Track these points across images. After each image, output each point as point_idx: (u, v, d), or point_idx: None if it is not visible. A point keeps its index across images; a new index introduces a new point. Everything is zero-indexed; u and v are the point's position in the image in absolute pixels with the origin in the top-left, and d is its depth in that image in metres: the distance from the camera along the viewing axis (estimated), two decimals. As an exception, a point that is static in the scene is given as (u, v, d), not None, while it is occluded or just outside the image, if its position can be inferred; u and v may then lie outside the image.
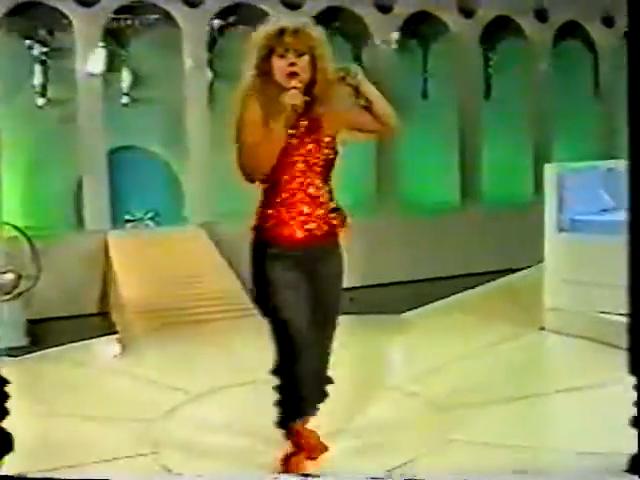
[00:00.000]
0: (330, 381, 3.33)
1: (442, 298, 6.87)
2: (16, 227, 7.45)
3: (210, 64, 9.93)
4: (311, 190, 3.02)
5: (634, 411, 3.13)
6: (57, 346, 5.75)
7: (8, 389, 2.78)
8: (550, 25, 12.18)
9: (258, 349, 5.25)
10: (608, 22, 12.64)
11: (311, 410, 3.22)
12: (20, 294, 7.01)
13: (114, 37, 9.65)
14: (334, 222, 3.07)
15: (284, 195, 3.01)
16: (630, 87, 2.21)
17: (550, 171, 5.58)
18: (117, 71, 9.80)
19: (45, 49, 9.20)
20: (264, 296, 3.08)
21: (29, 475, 3.01)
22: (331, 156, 3.05)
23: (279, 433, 3.21)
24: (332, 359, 3.29)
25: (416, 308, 6.60)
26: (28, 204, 9.08)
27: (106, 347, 5.75)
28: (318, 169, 3.03)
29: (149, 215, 9.85)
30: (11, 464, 2.75)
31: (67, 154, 9.07)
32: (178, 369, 4.91)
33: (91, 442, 3.68)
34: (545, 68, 12.45)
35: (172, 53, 9.73)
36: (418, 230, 9.84)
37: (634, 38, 2.10)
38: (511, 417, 3.96)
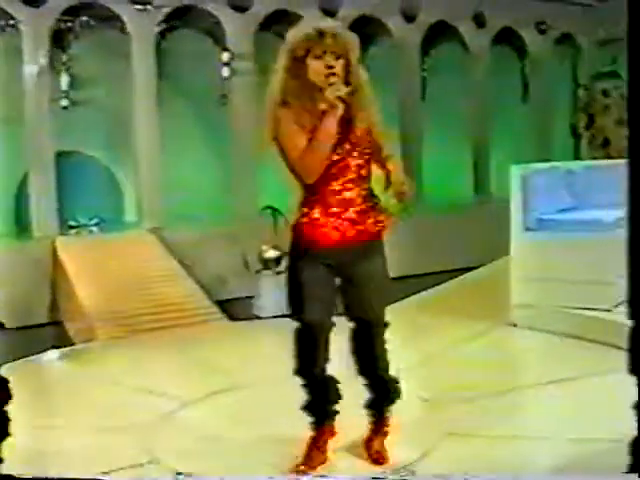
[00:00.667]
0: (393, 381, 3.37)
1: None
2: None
3: (158, 66, 9.87)
4: (350, 192, 3.02)
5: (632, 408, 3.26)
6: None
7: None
8: (487, 30, 12.64)
9: (231, 354, 5.35)
10: (541, 29, 13.24)
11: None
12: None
13: (55, 39, 9.46)
14: (374, 224, 3.09)
15: (320, 197, 3.01)
16: (630, 88, 2.33)
17: (515, 172, 5.79)
18: (58, 73, 9.63)
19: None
20: (294, 295, 3.12)
21: (28, 475, 2.95)
22: (366, 157, 3.08)
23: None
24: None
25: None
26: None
27: (75, 357, 5.62)
28: (355, 170, 3.04)
29: (93, 221, 9.71)
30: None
31: (9, 157, 8.84)
32: (158, 377, 4.85)
33: (88, 453, 3.61)
34: (481, 72, 12.92)
35: (115, 56, 9.63)
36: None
37: (634, 38, 2.20)
38: (502, 410, 4.09)
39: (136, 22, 9.24)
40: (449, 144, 12.59)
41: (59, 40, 9.48)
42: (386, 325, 3.28)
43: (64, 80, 9.71)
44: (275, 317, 7.98)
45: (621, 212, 5.84)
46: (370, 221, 3.06)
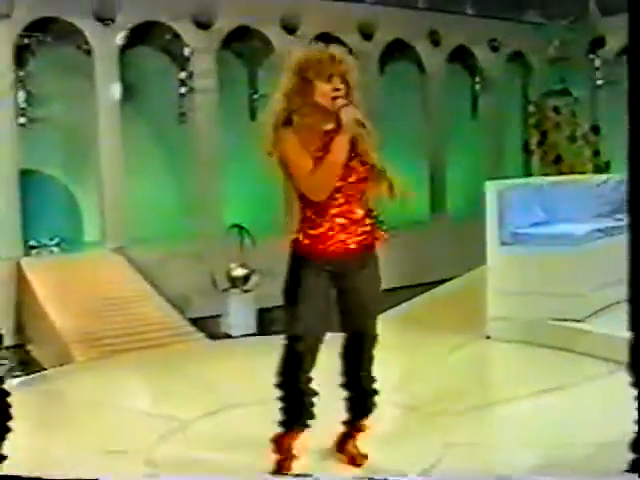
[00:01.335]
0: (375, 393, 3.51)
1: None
2: None
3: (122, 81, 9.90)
4: (349, 207, 3.21)
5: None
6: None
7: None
8: (442, 49, 13.02)
9: (219, 373, 5.40)
10: (494, 47, 13.70)
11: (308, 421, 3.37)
12: None
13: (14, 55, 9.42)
14: (370, 238, 3.27)
15: (323, 212, 3.19)
16: (630, 89, 2.50)
17: (490, 188, 6.04)
18: (15, 90, 9.57)
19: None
20: (288, 302, 3.27)
21: (28, 475, 3.00)
22: (365, 173, 3.25)
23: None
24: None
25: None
26: None
27: (54, 380, 5.58)
28: (354, 187, 3.22)
29: (54, 241, 9.63)
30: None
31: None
32: (149, 397, 4.90)
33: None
34: (436, 90, 13.29)
35: (73, 73, 9.62)
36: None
37: (634, 39, 2.37)
38: (494, 420, 4.29)
39: (99, 38, 9.26)
40: (405, 162, 12.88)
41: (16, 56, 9.43)
42: (376, 337, 3.45)
43: (21, 97, 9.65)
44: (246, 335, 8.08)
45: (590, 226, 6.18)
46: (369, 234, 3.25)
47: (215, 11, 10.25)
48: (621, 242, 6.04)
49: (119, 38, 9.65)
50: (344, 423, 3.52)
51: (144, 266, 8.59)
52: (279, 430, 3.35)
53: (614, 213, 6.79)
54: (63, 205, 10.23)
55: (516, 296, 5.96)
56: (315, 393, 3.37)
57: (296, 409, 3.33)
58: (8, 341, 7.75)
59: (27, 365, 7.24)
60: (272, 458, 3.37)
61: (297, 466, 3.37)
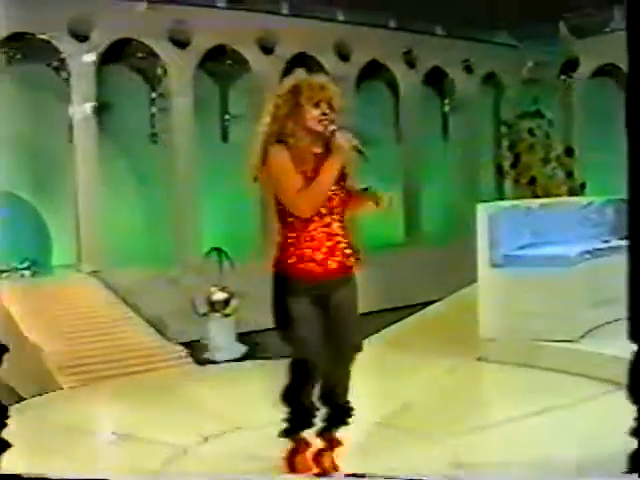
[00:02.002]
0: (351, 408, 3.73)
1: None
2: None
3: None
4: (330, 228, 3.48)
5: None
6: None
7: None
8: (417, 70, 13.36)
9: (212, 397, 5.50)
10: (468, 69, 14.11)
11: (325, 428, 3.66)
12: None
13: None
14: (351, 258, 3.53)
15: (305, 233, 3.44)
16: (629, 93, 2.67)
17: (482, 211, 6.29)
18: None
19: None
20: (282, 325, 3.52)
21: (28, 475, 3.08)
22: (344, 194, 3.52)
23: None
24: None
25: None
26: None
27: (44, 406, 5.62)
28: (336, 209, 3.50)
29: (24, 264, 9.63)
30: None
31: None
32: (145, 423, 4.95)
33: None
34: (411, 112, 13.60)
35: (43, 91, 9.68)
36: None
37: (634, 40, 2.56)
38: (503, 439, 4.47)
39: (75, 56, 9.35)
40: (378, 183, 13.10)
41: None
42: (356, 353, 3.69)
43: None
44: (230, 361, 8.17)
45: (581, 247, 6.45)
46: (349, 253, 3.52)
47: (192, 29, 10.42)
48: (609, 263, 6.38)
49: (92, 56, 9.72)
50: (319, 435, 3.72)
51: (121, 290, 8.65)
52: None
53: (601, 235, 7.10)
54: (32, 228, 10.24)
55: (508, 318, 6.19)
56: (317, 408, 3.65)
57: (301, 424, 3.60)
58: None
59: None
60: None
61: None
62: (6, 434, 2.89)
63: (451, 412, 4.98)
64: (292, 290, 3.44)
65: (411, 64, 13.22)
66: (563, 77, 14.66)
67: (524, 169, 13.88)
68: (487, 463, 4.09)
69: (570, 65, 14.39)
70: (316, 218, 3.44)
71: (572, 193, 12.55)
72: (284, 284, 3.47)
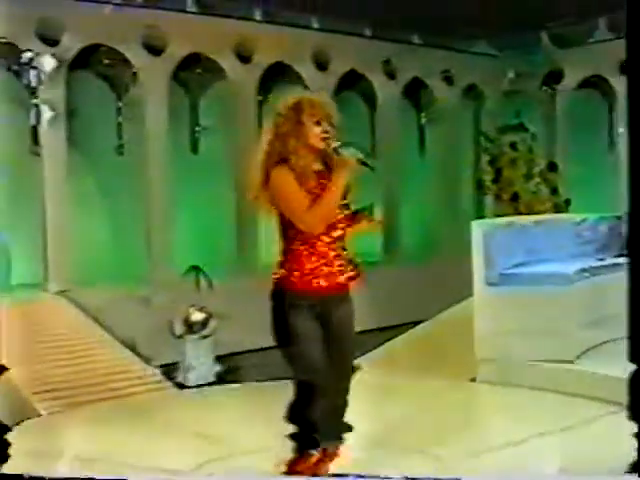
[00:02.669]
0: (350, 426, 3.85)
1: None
2: None
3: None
4: (335, 244, 3.62)
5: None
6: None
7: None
8: (396, 82, 13.52)
9: (202, 422, 5.52)
10: (448, 80, 14.29)
11: (325, 442, 3.74)
12: None
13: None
14: (350, 273, 3.68)
15: (311, 248, 3.58)
16: (630, 97, 2.79)
17: (476, 229, 6.44)
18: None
19: None
20: (285, 342, 3.62)
21: (29, 475, 3.12)
22: (346, 210, 3.66)
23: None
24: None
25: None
26: None
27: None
28: (340, 224, 3.63)
29: (-18, 284, 9.52)
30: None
31: None
32: (134, 449, 4.98)
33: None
34: (390, 126, 13.75)
35: (14, 103, 9.65)
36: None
37: (634, 41, 2.66)
38: (512, 460, 4.59)
39: (42, 61, 9.31)
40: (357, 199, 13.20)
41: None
42: (354, 370, 3.86)
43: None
44: (208, 384, 8.19)
45: (577, 265, 6.62)
46: (349, 270, 3.67)
47: (167, 36, 10.47)
48: (605, 281, 6.56)
49: (55, 62, 9.66)
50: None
51: (92, 310, 8.62)
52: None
53: (594, 253, 7.29)
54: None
55: (504, 337, 6.33)
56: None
57: (309, 439, 3.69)
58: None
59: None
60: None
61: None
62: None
63: (450, 435, 5.09)
64: (295, 306, 3.57)
65: (391, 75, 13.37)
66: (545, 88, 14.84)
67: (506, 184, 13.95)
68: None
69: (553, 76, 14.58)
70: (322, 233, 3.57)
71: (557, 210, 12.69)
72: (287, 300, 3.59)
